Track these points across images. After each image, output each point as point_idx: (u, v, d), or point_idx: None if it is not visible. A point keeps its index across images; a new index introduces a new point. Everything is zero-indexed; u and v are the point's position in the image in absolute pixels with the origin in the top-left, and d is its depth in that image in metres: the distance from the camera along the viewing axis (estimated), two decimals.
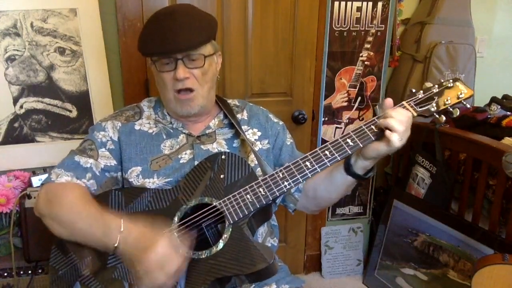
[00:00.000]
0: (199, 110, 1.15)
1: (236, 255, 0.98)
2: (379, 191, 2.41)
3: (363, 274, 2.34)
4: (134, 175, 1.14)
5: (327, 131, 2.08)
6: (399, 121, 0.96)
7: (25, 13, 1.66)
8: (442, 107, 1.02)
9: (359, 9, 1.94)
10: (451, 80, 1.05)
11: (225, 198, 1.03)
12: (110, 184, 1.17)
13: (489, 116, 2.04)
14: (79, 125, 1.83)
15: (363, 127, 1.01)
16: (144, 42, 1.11)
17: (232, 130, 1.23)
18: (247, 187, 1.03)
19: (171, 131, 1.20)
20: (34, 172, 1.72)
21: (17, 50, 1.70)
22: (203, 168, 1.10)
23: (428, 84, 1.05)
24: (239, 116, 1.26)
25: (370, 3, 1.94)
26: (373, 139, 1.00)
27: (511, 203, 1.73)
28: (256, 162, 1.16)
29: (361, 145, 1.00)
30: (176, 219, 1.04)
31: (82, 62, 1.76)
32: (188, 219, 1.04)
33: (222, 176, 1.07)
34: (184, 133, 1.20)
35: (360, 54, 2.01)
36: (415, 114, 1.02)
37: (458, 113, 1.01)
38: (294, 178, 1.02)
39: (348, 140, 1.01)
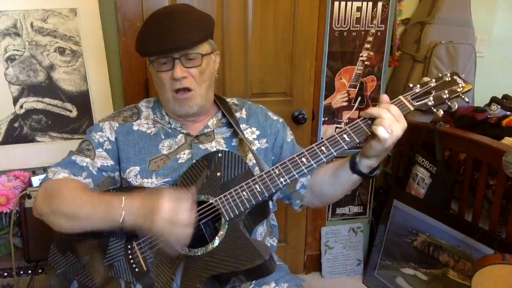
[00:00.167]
0: (198, 110, 1.16)
1: (232, 252, 0.98)
2: (379, 191, 2.41)
3: (363, 274, 2.34)
4: (133, 175, 1.15)
5: (327, 131, 2.08)
6: (383, 115, 0.96)
7: (25, 13, 1.67)
8: (440, 101, 1.01)
9: (359, 9, 1.94)
10: (448, 74, 1.04)
11: (221, 196, 1.04)
12: (108, 184, 1.17)
13: (489, 116, 2.04)
14: (79, 125, 1.83)
15: (359, 122, 1.02)
16: (141, 42, 1.11)
17: (231, 129, 1.23)
18: (243, 184, 1.03)
19: (170, 131, 1.20)
20: (34, 172, 1.73)
21: (17, 50, 1.70)
22: (200, 166, 1.10)
23: (425, 79, 1.05)
24: (237, 114, 1.26)
25: (370, 3, 1.93)
26: (369, 133, 1.00)
27: (511, 203, 1.73)
28: (255, 161, 1.16)
29: (358, 140, 1.01)
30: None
31: (82, 62, 1.77)
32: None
33: (218, 174, 1.07)
34: (183, 133, 1.20)
35: (360, 54, 2.01)
36: (412, 108, 1.01)
37: (456, 107, 1.01)
38: (290, 174, 1.02)
39: (345, 136, 1.01)
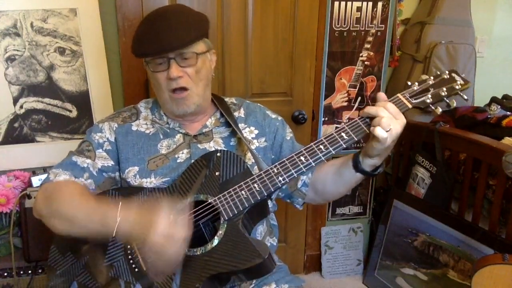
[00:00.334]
0: (195, 109, 1.16)
1: (231, 251, 0.98)
2: (379, 191, 2.41)
3: (363, 274, 2.34)
4: (132, 175, 1.15)
5: (327, 131, 2.08)
6: (379, 114, 0.96)
7: (25, 13, 1.67)
8: (438, 99, 1.01)
9: (359, 9, 1.94)
10: (447, 72, 1.04)
11: (220, 195, 1.04)
12: (109, 185, 1.17)
13: (489, 116, 2.04)
14: (79, 125, 1.83)
15: (357, 120, 1.02)
16: (136, 43, 1.12)
17: (229, 129, 1.23)
18: (242, 183, 1.03)
19: (168, 131, 1.20)
20: (34, 172, 1.73)
21: (17, 50, 1.70)
22: (198, 166, 1.10)
23: (424, 76, 1.05)
24: (236, 114, 1.26)
25: (370, 3, 1.93)
26: (367, 132, 1.00)
27: (511, 203, 1.73)
28: (253, 160, 1.16)
29: (356, 139, 1.01)
30: (172, 217, 1.04)
31: (82, 62, 1.77)
32: (184, 216, 1.04)
33: (217, 173, 1.08)
34: (181, 132, 1.20)
35: (360, 54, 2.01)
36: (410, 106, 1.01)
37: (454, 104, 1.01)
38: (289, 173, 1.02)
39: (343, 134, 1.01)
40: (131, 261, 1.04)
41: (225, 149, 1.13)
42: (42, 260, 1.67)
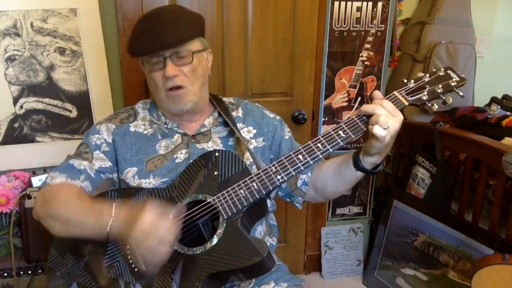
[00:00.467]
0: (192, 107, 1.16)
1: (230, 250, 0.98)
2: (379, 191, 2.41)
3: (363, 274, 2.34)
4: (130, 176, 1.15)
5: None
6: (376, 112, 0.96)
7: (25, 13, 1.67)
8: (434, 96, 1.01)
9: (359, 9, 1.94)
10: (442, 69, 1.05)
11: (219, 194, 1.04)
12: (107, 186, 1.17)
13: (489, 116, 2.04)
14: (79, 125, 1.83)
15: (355, 118, 1.02)
16: (132, 43, 1.12)
17: (227, 128, 1.23)
18: (240, 182, 1.03)
19: (166, 131, 1.20)
20: (34, 172, 1.73)
21: (17, 50, 1.70)
22: (197, 166, 1.10)
23: (420, 74, 1.05)
24: (234, 113, 1.26)
25: (370, 3, 1.94)
26: (365, 129, 1.00)
27: (511, 203, 1.73)
28: (252, 160, 1.16)
29: (353, 137, 1.01)
30: (171, 217, 1.05)
31: (82, 62, 1.77)
32: (183, 216, 1.04)
33: (216, 173, 1.08)
34: (179, 132, 1.20)
35: (360, 54, 2.01)
36: (406, 103, 1.01)
37: (451, 101, 1.01)
38: (287, 172, 1.02)
39: (340, 132, 1.01)
40: (130, 261, 1.04)
41: (224, 149, 1.13)
42: (42, 260, 1.67)
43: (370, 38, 1.99)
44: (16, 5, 1.65)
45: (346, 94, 2.07)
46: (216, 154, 1.10)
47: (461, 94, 1.04)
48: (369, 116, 0.99)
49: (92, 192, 1.14)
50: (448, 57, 2.21)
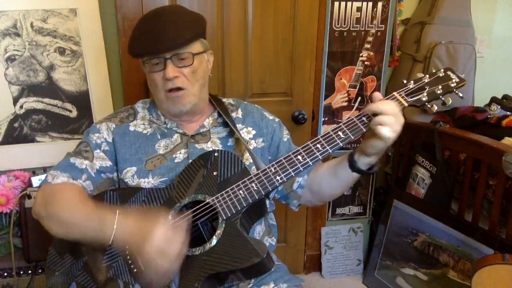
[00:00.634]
0: (191, 108, 1.16)
1: (229, 251, 0.98)
2: (379, 191, 2.41)
3: (363, 274, 2.34)
4: (129, 175, 1.15)
5: (327, 131, 2.08)
6: (380, 112, 0.95)
7: (25, 13, 1.67)
8: (434, 97, 1.01)
9: (359, 9, 1.94)
10: (442, 70, 1.04)
11: (218, 195, 1.04)
12: (107, 185, 1.17)
13: (489, 116, 2.04)
14: (79, 125, 1.83)
15: (354, 119, 1.01)
16: (132, 43, 1.12)
17: (227, 129, 1.23)
18: (239, 183, 1.03)
19: (166, 131, 1.20)
20: (34, 172, 1.73)
21: (17, 50, 1.70)
22: (196, 166, 1.10)
23: (419, 75, 1.05)
24: (233, 114, 1.26)
25: (370, 3, 1.94)
26: (364, 130, 1.00)
27: (511, 203, 1.73)
28: (251, 161, 1.16)
29: (353, 137, 1.00)
30: (170, 217, 1.05)
31: (82, 62, 1.77)
32: (182, 216, 1.04)
33: (215, 173, 1.08)
34: (179, 132, 1.20)
35: (360, 54, 2.01)
36: (406, 104, 1.01)
37: (450, 102, 1.01)
38: (286, 172, 1.02)
39: (340, 133, 1.01)
40: (129, 262, 1.04)
41: (223, 149, 1.13)
42: (42, 260, 1.66)
43: (370, 38, 1.99)
44: (16, 5, 1.65)
45: (346, 94, 2.07)
46: (216, 154, 1.10)
47: (461, 95, 1.04)
48: (369, 117, 0.99)
49: (93, 191, 1.14)
50: (448, 57, 2.21)
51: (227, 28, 1.84)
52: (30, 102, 1.77)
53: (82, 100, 1.81)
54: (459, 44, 2.22)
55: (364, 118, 1.00)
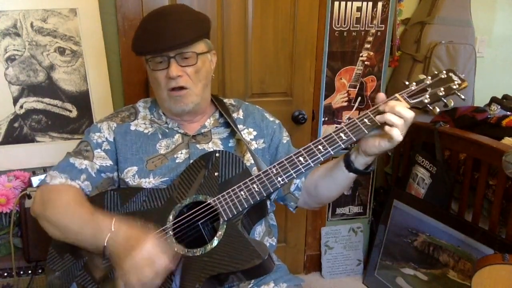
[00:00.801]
0: (193, 108, 1.16)
1: (230, 252, 0.98)
2: (379, 191, 2.41)
3: (363, 274, 2.34)
4: (130, 175, 1.15)
5: (327, 131, 2.06)
6: (398, 114, 0.94)
7: (25, 13, 1.67)
8: (436, 99, 1.01)
9: (359, 9, 1.94)
10: (444, 72, 1.03)
11: (219, 195, 1.03)
12: (107, 185, 1.17)
13: (489, 116, 2.04)
14: (79, 125, 1.83)
15: (356, 120, 1.01)
16: (137, 41, 1.12)
17: (228, 130, 1.23)
18: (241, 183, 1.03)
19: (167, 131, 1.20)
20: (34, 172, 1.73)
21: (17, 50, 1.70)
22: (197, 166, 1.10)
23: (421, 76, 1.04)
24: (234, 115, 1.26)
25: (370, 3, 1.94)
26: (366, 132, 0.99)
27: (511, 203, 1.73)
28: (252, 162, 1.16)
29: (354, 139, 0.99)
30: (171, 217, 1.05)
31: (82, 62, 1.77)
32: (183, 217, 1.04)
33: (216, 173, 1.07)
34: (180, 132, 1.20)
35: (360, 54, 2.01)
36: (408, 106, 1.00)
37: (452, 104, 1.00)
38: (288, 174, 1.01)
39: (341, 134, 1.00)
40: None
41: (224, 150, 1.13)
42: (42, 260, 1.66)
43: (370, 38, 1.99)
44: (16, 5, 1.65)
45: (346, 94, 2.07)
46: (217, 154, 1.09)
47: (463, 97, 1.03)
48: (371, 118, 0.99)
49: (92, 191, 1.14)
50: (448, 57, 2.21)
51: (227, 28, 1.84)
52: (30, 102, 1.76)
53: (82, 100, 1.81)
54: (459, 44, 2.22)
55: (366, 120, 0.99)
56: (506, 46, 2.58)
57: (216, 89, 1.89)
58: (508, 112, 2.07)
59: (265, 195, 1.02)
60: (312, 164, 1.01)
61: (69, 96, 1.79)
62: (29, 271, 1.66)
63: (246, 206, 1.02)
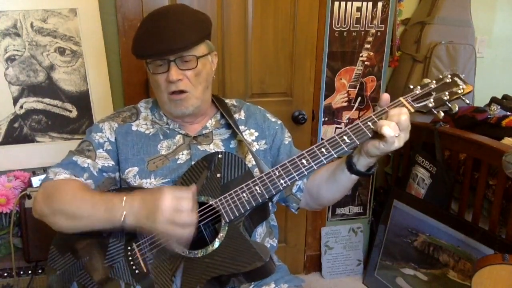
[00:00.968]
0: (193, 111, 1.15)
1: (232, 254, 0.98)
2: (379, 191, 2.41)
3: (363, 274, 2.34)
4: (131, 176, 1.15)
5: (327, 131, 2.08)
6: (394, 124, 0.93)
7: (25, 13, 1.66)
8: (440, 103, 1.00)
9: (359, 9, 1.94)
10: (449, 76, 1.03)
11: (221, 197, 1.03)
12: (108, 185, 1.17)
13: (489, 116, 2.04)
14: (79, 125, 1.83)
15: (360, 123, 1.00)
16: (137, 44, 1.11)
17: (229, 131, 1.23)
18: (243, 185, 1.02)
19: (168, 131, 1.20)
20: (34, 172, 1.73)
21: (17, 50, 1.70)
22: (199, 167, 1.10)
23: (426, 80, 1.03)
24: (236, 116, 1.26)
25: (370, 3, 1.93)
26: (370, 136, 0.98)
27: (511, 203, 1.73)
28: (254, 163, 1.16)
29: (358, 142, 0.99)
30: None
31: (82, 62, 1.76)
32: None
33: (218, 175, 1.07)
34: (181, 133, 1.20)
35: (360, 54, 2.01)
36: (412, 110, 1.00)
37: (457, 109, 1.00)
38: (290, 176, 1.01)
39: (345, 137, 0.99)
40: (131, 263, 1.03)
41: (226, 151, 1.13)
42: (42, 260, 1.66)
43: (370, 38, 1.99)
44: (16, 5, 1.65)
45: (346, 94, 2.07)
46: (219, 156, 1.09)
47: (468, 101, 1.03)
48: (374, 122, 0.98)
49: (95, 190, 1.13)
50: (448, 57, 2.21)
51: (227, 28, 1.84)
52: (30, 102, 1.76)
53: (82, 100, 1.81)
54: (459, 44, 2.22)
55: (369, 123, 0.98)
56: (506, 46, 2.58)
57: (216, 89, 1.89)
58: (508, 112, 2.07)
59: (267, 197, 1.02)
60: (315, 167, 1.00)
61: (69, 96, 1.79)
62: (29, 271, 1.66)
63: (248, 208, 1.01)
